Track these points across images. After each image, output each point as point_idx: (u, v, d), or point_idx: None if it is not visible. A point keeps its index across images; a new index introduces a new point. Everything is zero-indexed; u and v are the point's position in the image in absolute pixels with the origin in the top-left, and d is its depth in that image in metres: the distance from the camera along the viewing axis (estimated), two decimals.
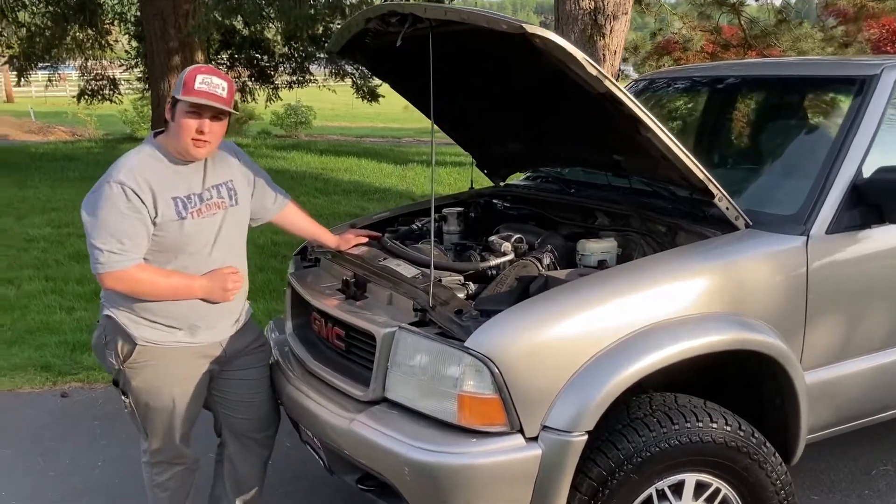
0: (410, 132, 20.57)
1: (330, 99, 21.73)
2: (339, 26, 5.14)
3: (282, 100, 17.55)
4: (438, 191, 9.68)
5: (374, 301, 2.61)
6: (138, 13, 14.65)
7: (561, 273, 2.52)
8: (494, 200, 3.49)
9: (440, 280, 2.50)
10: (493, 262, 2.66)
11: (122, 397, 2.58)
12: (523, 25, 2.15)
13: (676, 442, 2.23)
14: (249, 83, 16.68)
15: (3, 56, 15.80)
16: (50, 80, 17.29)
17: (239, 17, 12.00)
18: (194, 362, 2.55)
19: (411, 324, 2.31)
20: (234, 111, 2.47)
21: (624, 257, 2.67)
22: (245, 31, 15.11)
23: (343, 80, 16.03)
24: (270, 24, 13.39)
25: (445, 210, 3.23)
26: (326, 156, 13.50)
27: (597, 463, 2.21)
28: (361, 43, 2.92)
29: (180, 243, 2.43)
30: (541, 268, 2.59)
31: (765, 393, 2.57)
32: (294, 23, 9.63)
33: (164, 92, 12.12)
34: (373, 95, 15.84)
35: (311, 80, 16.96)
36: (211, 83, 2.37)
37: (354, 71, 15.35)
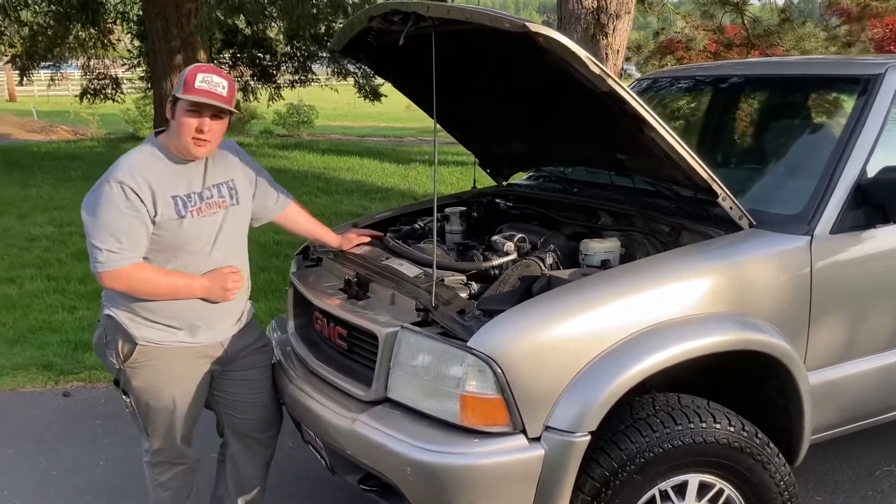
0: (413, 131, 20.56)
1: (332, 98, 21.73)
2: (341, 25, 5.13)
3: (284, 99, 17.54)
4: (441, 190, 9.67)
5: (377, 301, 2.60)
6: (140, 12, 14.65)
7: (564, 273, 2.51)
8: (497, 200, 3.49)
9: (443, 280, 2.50)
10: (496, 261, 2.65)
11: (123, 397, 2.57)
12: (526, 24, 2.14)
13: (680, 442, 2.22)
14: (252, 82, 16.67)
15: (6, 55, 15.81)
16: (52, 80, 17.29)
17: (241, 17, 11.99)
18: (195, 362, 2.55)
19: (414, 323, 2.31)
20: (234, 110, 2.46)
21: (627, 257, 2.67)
22: (247, 31, 15.10)
23: (345, 80, 16.01)
24: (273, 24, 13.38)
25: (448, 209, 3.22)
26: (328, 155, 13.50)
27: (600, 463, 2.20)
28: (364, 42, 2.91)
29: (180, 242, 2.43)
30: (544, 268, 2.58)
31: (768, 393, 2.56)
32: (296, 22, 9.63)
33: (166, 91, 12.12)
34: (375, 95, 15.83)
35: (313, 80, 16.94)
36: (211, 82, 2.36)
37: (357, 70, 15.33)
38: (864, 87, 2.83)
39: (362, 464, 2.34)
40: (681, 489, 2.31)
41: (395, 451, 2.17)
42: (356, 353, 2.54)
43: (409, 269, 2.64)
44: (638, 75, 12.96)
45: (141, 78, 16.70)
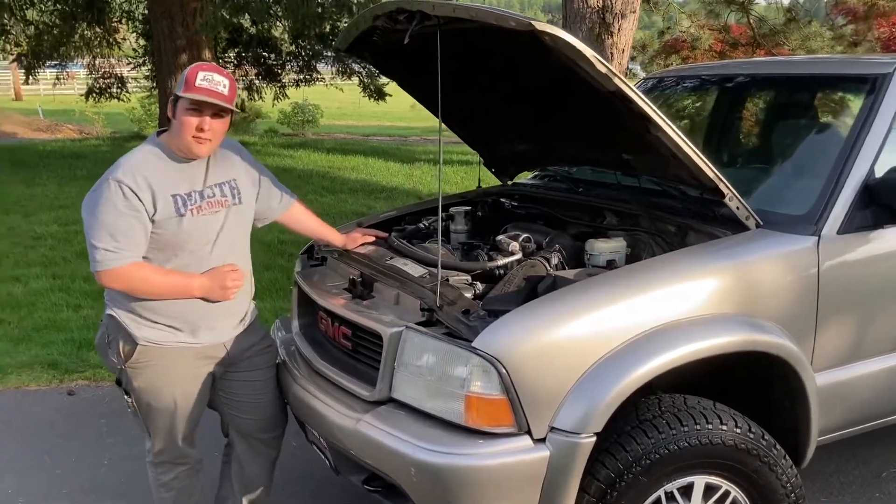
0: (417, 131, 20.55)
1: (337, 97, 21.73)
2: (346, 24, 5.13)
3: (289, 98, 17.54)
4: (446, 190, 9.66)
5: (381, 300, 2.59)
6: (146, 11, 14.68)
7: (569, 273, 2.50)
8: (502, 199, 3.47)
9: (447, 279, 2.49)
10: (501, 261, 2.64)
11: (125, 397, 2.57)
12: (532, 22, 2.13)
13: (686, 444, 2.21)
14: (256, 81, 16.68)
15: (12, 54, 15.84)
16: (58, 79, 17.29)
17: (246, 16, 12.01)
18: (196, 363, 2.54)
19: (418, 323, 2.30)
20: (235, 109, 2.46)
21: (633, 257, 2.65)
22: (252, 30, 15.12)
23: (350, 79, 16.00)
24: (278, 23, 13.37)
25: (453, 209, 3.21)
26: (333, 154, 13.50)
27: (605, 465, 2.19)
28: (369, 41, 2.91)
29: (180, 241, 2.42)
30: (549, 267, 2.57)
31: (774, 394, 2.55)
32: (301, 21, 9.63)
33: (171, 90, 12.05)
34: (380, 94, 15.82)
35: (318, 79, 16.94)
36: (212, 80, 2.35)
37: (362, 69, 15.32)
38: (872, 86, 2.81)
39: (366, 464, 2.33)
40: (686, 491, 2.30)
41: (399, 451, 2.16)
42: (361, 353, 2.53)
43: (414, 269, 2.63)
44: (643, 74, 12.93)
45: (146, 77, 16.72)
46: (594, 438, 2.12)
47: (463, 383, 2.14)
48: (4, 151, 13.55)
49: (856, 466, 3.41)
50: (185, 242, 2.43)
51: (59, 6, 14.28)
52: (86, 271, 6.26)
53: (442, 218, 2.69)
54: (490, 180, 3.75)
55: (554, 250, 2.69)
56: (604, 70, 2.22)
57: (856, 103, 2.91)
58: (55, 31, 14.48)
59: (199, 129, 2.37)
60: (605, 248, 2.62)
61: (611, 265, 2.54)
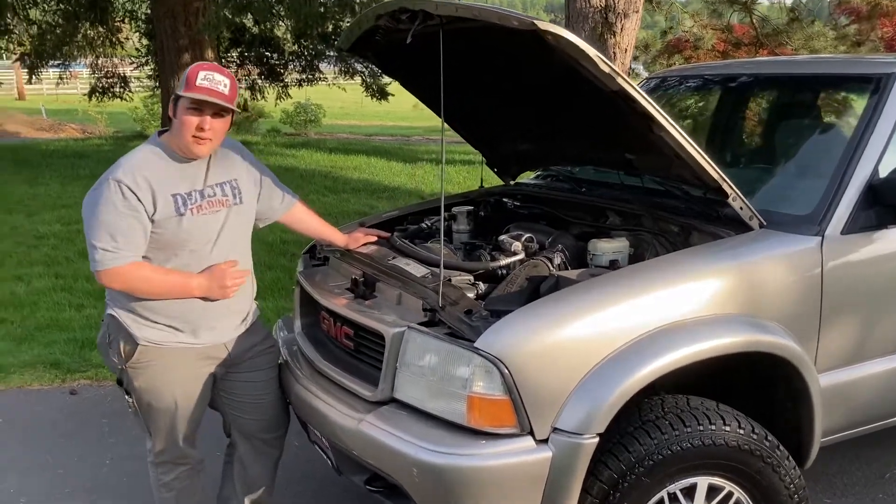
0: (420, 130, 20.55)
1: (339, 97, 21.73)
2: (348, 24, 5.12)
3: (291, 98, 17.54)
4: (448, 189, 9.65)
5: (384, 300, 2.59)
6: (149, 11, 14.69)
7: (572, 273, 2.49)
8: (505, 199, 3.47)
9: (450, 279, 2.48)
10: (504, 261, 2.64)
11: (126, 397, 2.57)
12: (535, 22, 2.13)
13: (689, 445, 2.20)
14: (259, 81, 16.69)
15: (15, 53, 15.87)
16: (61, 78, 17.31)
17: (249, 15, 12.00)
18: (197, 363, 2.54)
19: (420, 324, 2.29)
20: (236, 109, 2.45)
21: (636, 257, 2.65)
22: (255, 29, 15.12)
23: (353, 78, 16.00)
24: (280, 22, 13.38)
25: (455, 209, 3.21)
26: (336, 154, 13.50)
27: (608, 466, 2.18)
28: (372, 40, 2.90)
29: (180, 240, 2.42)
30: (552, 268, 2.57)
31: (777, 395, 2.54)
32: (304, 20, 9.62)
33: (174, 89, 12.10)
34: (382, 93, 15.82)
35: (320, 78, 16.94)
36: (213, 80, 2.35)
37: (364, 69, 15.32)
38: (876, 86, 2.80)
39: (368, 464, 2.32)
40: (689, 492, 2.29)
41: (401, 451, 2.16)
42: (363, 353, 2.53)
43: (416, 269, 2.62)
44: (645, 74, 12.92)
45: (149, 76, 16.74)
46: (597, 439, 2.12)
47: (465, 384, 2.14)
48: (8, 151, 13.58)
49: (859, 467, 3.40)
50: (185, 242, 2.43)
51: (62, 6, 14.30)
52: (88, 271, 6.19)
53: (444, 218, 2.68)
54: (492, 180, 3.74)
55: (556, 250, 2.68)
56: (607, 69, 2.21)
57: (859, 103, 2.90)
58: (58, 31, 14.51)
59: (200, 128, 2.36)
60: (608, 248, 2.61)
61: (614, 265, 2.53)
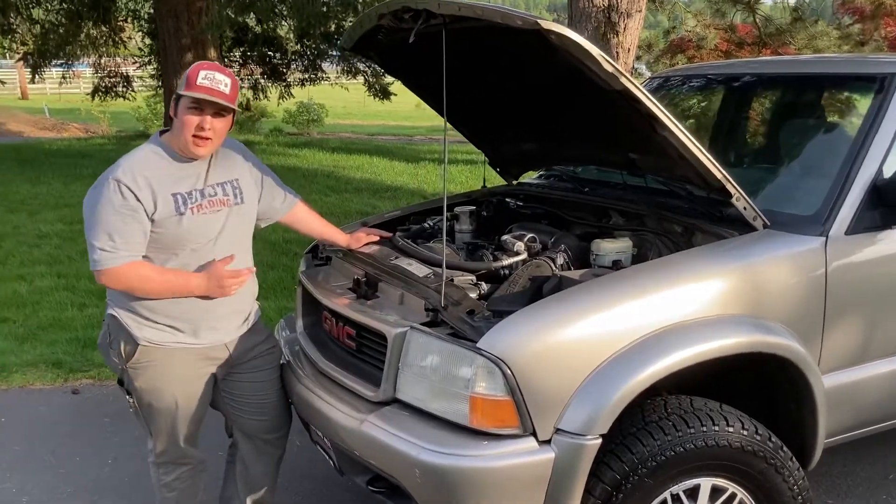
0: (422, 130, 20.55)
1: (342, 97, 21.77)
2: (351, 23, 5.12)
3: (294, 97, 17.56)
4: (450, 189, 9.65)
5: (386, 300, 2.58)
6: (152, 10, 14.70)
7: (575, 273, 2.48)
8: (507, 199, 3.46)
9: (452, 280, 2.47)
10: (506, 261, 2.63)
11: (127, 397, 2.57)
12: (538, 21, 2.12)
13: (692, 446, 2.19)
14: (262, 80, 16.71)
15: (18, 53, 15.89)
16: (64, 77, 17.35)
17: (252, 15, 12.02)
18: (197, 364, 2.53)
19: (423, 324, 2.28)
20: (237, 108, 2.44)
21: (639, 258, 2.64)
22: (258, 29, 15.13)
23: (355, 78, 16.03)
24: (283, 22, 13.41)
25: (458, 209, 3.20)
26: (338, 154, 13.50)
27: (611, 467, 2.17)
28: (374, 39, 2.90)
29: (180, 240, 2.41)
30: (554, 268, 2.56)
31: (780, 396, 2.53)
32: (307, 20, 9.63)
33: (176, 89, 12.13)
34: (385, 93, 15.84)
35: (323, 78, 16.97)
36: (213, 79, 2.34)
37: (367, 68, 15.35)
38: (881, 85, 2.79)
39: (370, 465, 2.32)
40: (693, 493, 2.28)
41: (403, 452, 2.15)
42: (365, 354, 2.52)
43: (419, 269, 2.62)
44: (648, 74, 12.90)
45: (152, 76, 16.77)
46: (600, 440, 2.11)
47: (467, 384, 2.13)
48: (10, 150, 13.60)
49: (863, 468, 3.39)
50: (185, 241, 2.42)
51: (64, 5, 14.33)
52: (90, 270, 6.26)
53: (447, 218, 2.67)
54: (495, 180, 3.74)
55: (559, 250, 2.68)
56: (610, 69, 2.20)
57: (863, 103, 2.89)
58: (61, 30, 14.54)
59: (200, 127, 2.36)
60: (611, 248, 2.61)
61: (617, 266, 2.52)
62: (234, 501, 2.82)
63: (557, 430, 2.11)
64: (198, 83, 2.33)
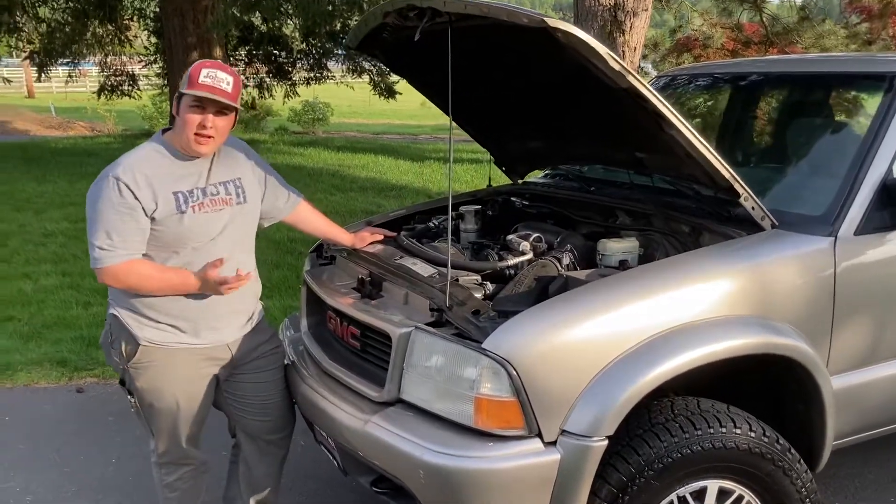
0: (428, 129, 20.54)
1: (347, 95, 21.75)
2: (356, 22, 5.11)
3: (299, 96, 17.58)
4: (456, 188, 9.63)
5: (390, 300, 2.57)
6: (157, 9, 14.73)
7: (581, 273, 2.47)
8: (513, 198, 3.44)
9: (457, 279, 2.46)
10: (512, 261, 2.61)
11: (129, 397, 2.56)
12: (545, 19, 2.10)
13: (699, 448, 2.18)
14: (267, 79, 16.72)
15: (24, 51, 15.92)
16: (70, 76, 17.39)
17: (257, 14, 12.02)
18: (199, 364, 2.52)
19: (427, 324, 2.27)
20: (239, 107, 2.43)
21: (646, 258, 2.62)
22: (263, 28, 15.15)
23: (360, 77, 16.02)
24: (288, 21, 13.40)
25: (463, 208, 3.18)
26: (343, 152, 13.51)
27: (617, 469, 2.15)
28: (379, 38, 2.88)
29: (181, 238, 2.40)
30: (560, 268, 2.54)
31: (788, 398, 2.51)
32: (312, 19, 9.63)
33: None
34: (390, 92, 15.83)
35: (328, 77, 16.97)
36: (215, 77, 2.33)
37: (372, 67, 15.34)
38: (890, 84, 2.77)
39: (375, 465, 2.30)
40: (699, 495, 2.26)
41: (408, 453, 2.14)
42: (369, 354, 2.51)
43: (423, 269, 2.60)
44: (655, 73, 12.86)
45: (157, 74, 16.79)
46: (606, 442, 2.09)
47: (472, 385, 2.12)
48: (17, 149, 13.64)
49: (871, 471, 3.36)
50: (186, 240, 2.41)
51: (70, 4, 14.36)
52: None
53: (452, 217, 2.66)
54: (500, 179, 3.72)
55: (565, 250, 2.66)
56: (617, 67, 2.19)
57: (872, 102, 2.87)
58: (67, 29, 14.56)
59: (202, 126, 2.35)
60: (618, 248, 2.59)
61: (623, 266, 2.51)
62: (237, 502, 2.81)
63: (563, 432, 2.09)
64: (200, 81, 2.32)
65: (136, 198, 2.31)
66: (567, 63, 2.27)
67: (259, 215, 2.66)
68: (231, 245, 2.50)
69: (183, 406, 2.52)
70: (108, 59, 16.07)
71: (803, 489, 2.32)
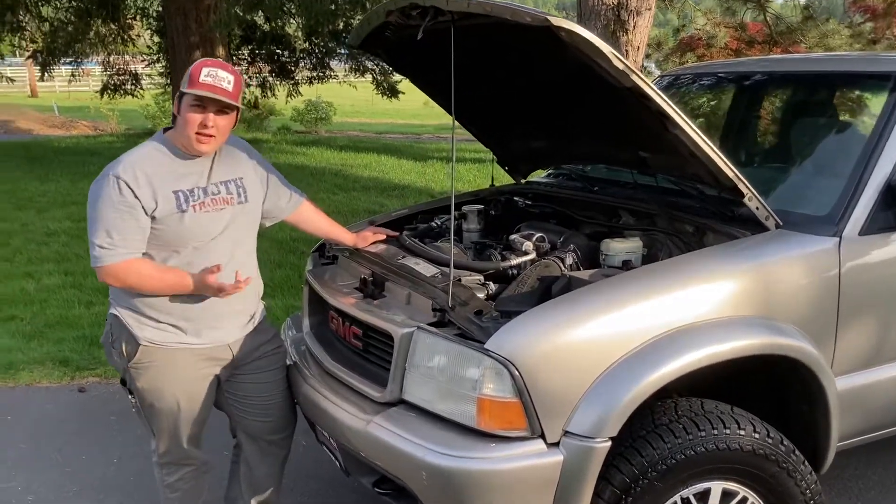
0: (430, 128, 20.54)
1: (350, 95, 21.75)
2: (359, 21, 5.10)
3: (302, 95, 17.57)
4: (458, 188, 9.63)
5: (393, 300, 2.56)
6: (160, 8, 14.72)
7: (584, 273, 2.45)
8: (515, 198, 3.43)
9: (460, 279, 2.45)
10: (515, 261, 2.60)
11: (129, 396, 2.56)
12: (548, 18, 2.09)
13: (703, 449, 2.16)
14: (270, 79, 16.72)
15: (27, 51, 15.95)
16: (73, 75, 17.40)
17: (260, 13, 12.02)
18: (199, 364, 2.51)
19: (430, 324, 2.26)
20: (240, 106, 2.42)
21: (649, 258, 2.61)
22: (266, 27, 15.13)
23: (363, 76, 16.01)
24: (291, 20, 13.38)
25: (465, 208, 3.18)
26: (346, 152, 13.51)
27: (620, 470, 2.14)
28: (382, 37, 2.87)
29: (182, 237, 2.39)
30: (563, 268, 2.53)
31: (792, 398, 2.50)
32: (315, 18, 9.62)
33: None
34: (393, 91, 15.82)
35: (331, 76, 16.96)
36: (216, 76, 2.32)
37: (374, 67, 15.33)
38: (895, 84, 2.75)
39: (377, 466, 2.30)
40: (703, 497, 2.25)
41: (410, 454, 2.13)
42: (371, 354, 2.50)
43: (426, 269, 2.59)
44: (658, 72, 12.84)
45: (160, 74, 16.79)
46: (609, 443, 2.08)
47: (475, 385, 2.11)
48: (20, 148, 13.66)
49: (875, 472, 3.35)
50: (187, 239, 2.40)
51: (73, 3, 14.35)
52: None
53: (454, 217, 2.65)
54: (503, 178, 3.71)
55: (568, 250, 2.65)
56: (621, 66, 2.17)
57: (877, 101, 2.85)
58: (70, 28, 14.57)
59: (203, 125, 2.34)
60: (621, 248, 2.58)
61: (627, 266, 2.50)
62: (238, 502, 2.80)
63: (566, 433, 2.08)
64: (200, 80, 2.31)
65: (136, 196, 2.31)
66: (570, 62, 2.26)
67: (261, 215, 2.65)
68: (232, 245, 2.49)
69: (184, 406, 2.51)
70: (111, 59, 16.08)
71: (808, 490, 2.30)
